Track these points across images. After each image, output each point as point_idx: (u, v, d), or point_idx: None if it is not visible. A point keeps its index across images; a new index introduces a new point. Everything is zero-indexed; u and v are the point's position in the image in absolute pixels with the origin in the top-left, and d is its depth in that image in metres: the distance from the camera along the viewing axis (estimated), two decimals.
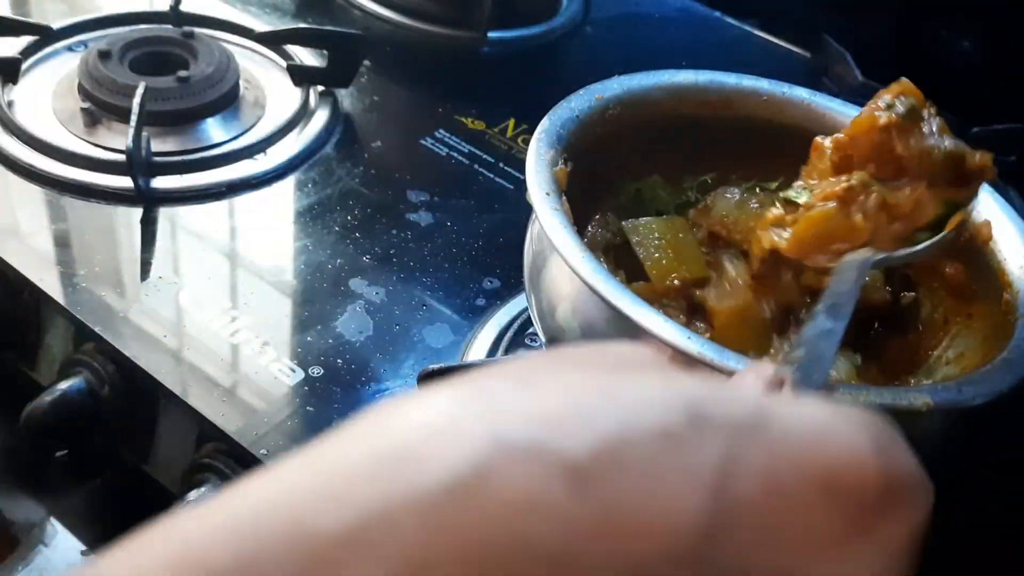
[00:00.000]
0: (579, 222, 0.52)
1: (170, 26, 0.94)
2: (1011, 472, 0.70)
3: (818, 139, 0.56)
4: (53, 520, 0.68)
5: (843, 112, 0.64)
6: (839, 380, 0.54)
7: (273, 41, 0.97)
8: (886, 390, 0.46)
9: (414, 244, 0.79)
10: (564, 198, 0.52)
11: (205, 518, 0.24)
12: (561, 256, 0.49)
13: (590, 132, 0.59)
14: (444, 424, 0.25)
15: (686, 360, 0.46)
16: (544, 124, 0.57)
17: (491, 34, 1.09)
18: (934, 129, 0.53)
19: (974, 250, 0.58)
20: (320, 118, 0.91)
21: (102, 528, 0.68)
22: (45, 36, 0.92)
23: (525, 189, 0.53)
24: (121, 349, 0.66)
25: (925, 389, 0.46)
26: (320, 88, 0.94)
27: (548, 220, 0.50)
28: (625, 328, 0.48)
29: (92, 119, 0.84)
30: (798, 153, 0.65)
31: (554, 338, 0.53)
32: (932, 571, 0.64)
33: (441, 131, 0.93)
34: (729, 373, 0.45)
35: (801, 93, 0.65)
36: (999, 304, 0.55)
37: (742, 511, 0.25)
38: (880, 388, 0.48)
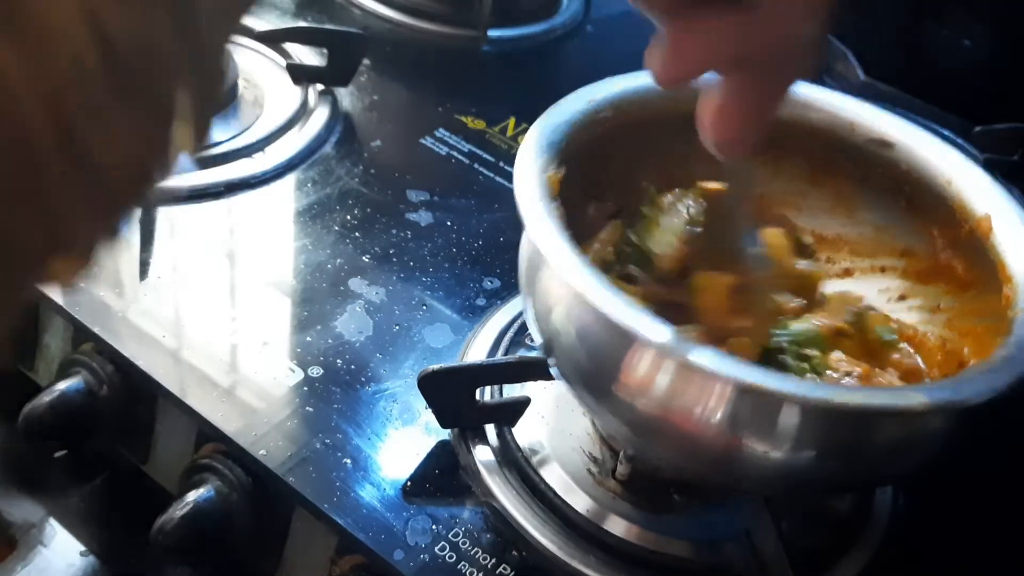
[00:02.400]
0: (573, 223, 0.52)
1: None
2: (1011, 472, 0.70)
3: None
4: (52, 520, 0.67)
5: (842, 108, 0.64)
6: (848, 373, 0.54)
7: (272, 40, 0.97)
8: (883, 390, 0.46)
9: (414, 244, 0.79)
10: (557, 203, 0.52)
11: None
12: (552, 268, 0.49)
13: (583, 134, 0.58)
14: None
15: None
16: (533, 132, 0.56)
17: (491, 33, 1.09)
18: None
19: (974, 244, 0.58)
20: (320, 117, 0.91)
21: (101, 528, 0.68)
22: None
23: None
24: (120, 349, 0.66)
25: (922, 388, 0.46)
26: (319, 87, 0.94)
27: (538, 229, 0.50)
28: (620, 333, 0.48)
29: None
30: (795, 147, 0.65)
31: (550, 342, 0.53)
32: (932, 570, 0.64)
33: (441, 130, 0.93)
34: (725, 379, 0.45)
35: (799, 87, 0.65)
36: (999, 298, 0.55)
37: None
38: (876, 388, 0.48)
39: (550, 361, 0.55)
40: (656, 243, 0.58)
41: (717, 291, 0.56)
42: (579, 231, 0.51)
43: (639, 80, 0.62)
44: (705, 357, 0.45)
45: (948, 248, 0.61)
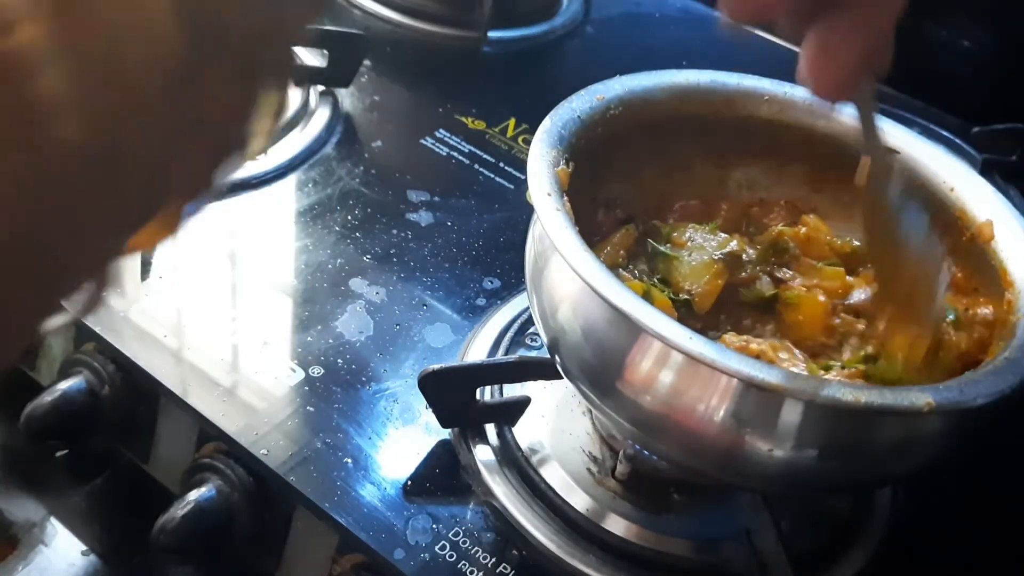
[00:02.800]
0: (581, 222, 0.52)
1: None
2: (1011, 473, 0.70)
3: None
4: (53, 520, 0.67)
5: (846, 115, 0.64)
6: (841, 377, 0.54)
7: None
8: (888, 390, 0.46)
9: (414, 244, 0.79)
10: (566, 198, 0.52)
11: None
12: (562, 256, 0.49)
13: (592, 132, 0.59)
14: None
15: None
16: (546, 124, 0.57)
17: (491, 34, 1.09)
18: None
19: (976, 250, 0.58)
20: (320, 118, 0.91)
21: (102, 528, 0.68)
22: None
23: (526, 189, 0.53)
24: (121, 349, 0.66)
25: (927, 389, 0.46)
26: (320, 88, 0.94)
27: (550, 220, 0.50)
28: (626, 327, 0.48)
29: None
30: (799, 152, 0.65)
31: (556, 338, 0.53)
32: (932, 570, 0.64)
33: (441, 131, 0.93)
34: (731, 374, 0.45)
35: (802, 93, 0.65)
36: (1001, 304, 0.55)
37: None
38: (881, 388, 0.48)
39: (555, 359, 0.55)
40: (689, 282, 0.58)
41: (812, 311, 0.57)
42: (587, 234, 0.51)
43: (647, 79, 0.62)
44: (714, 352, 0.45)
45: (948, 255, 0.61)
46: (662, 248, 0.60)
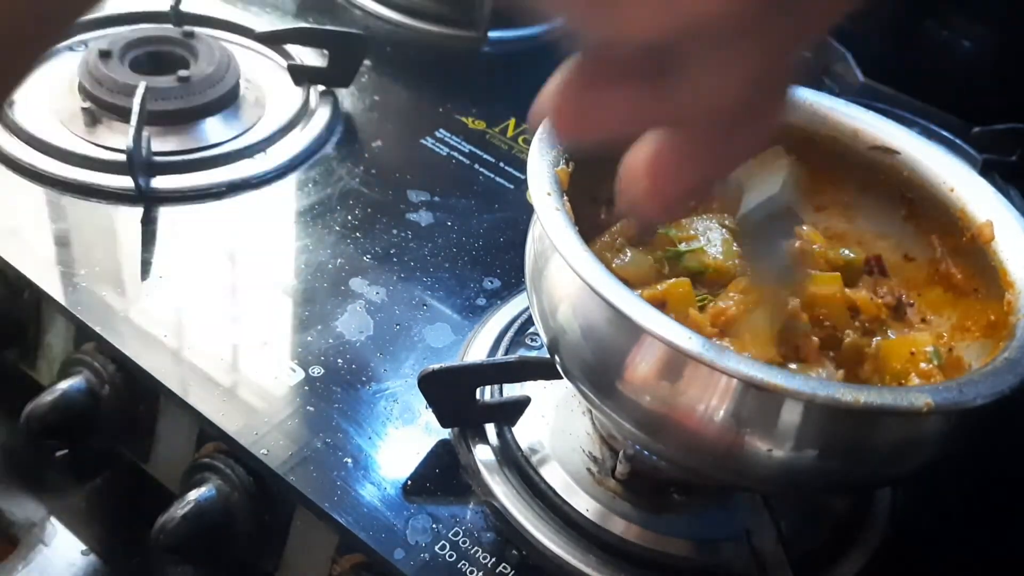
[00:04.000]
0: (581, 222, 0.52)
1: (170, 26, 0.95)
2: (1011, 472, 0.70)
3: None
4: (53, 519, 0.68)
5: (845, 113, 0.64)
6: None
7: (273, 41, 0.97)
8: (887, 390, 0.46)
9: (414, 244, 0.79)
10: (565, 198, 0.52)
11: None
12: (562, 256, 0.49)
13: None
14: None
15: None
16: (546, 124, 0.56)
17: (491, 34, 1.09)
18: None
19: (976, 250, 0.58)
20: (320, 118, 0.91)
21: (102, 527, 0.68)
22: None
23: (526, 189, 0.53)
24: (121, 349, 0.66)
25: (926, 389, 0.46)
26: (320, 88, 0.94)
27: (549, 220, 0.50)
28: (626, 328, 0.48)
29: (92, 119, 0.84)
30: (799, 152, 0.65)
31: (555, 338, 0.53)
32: (932, 570, 0.64)
33: (441, 131, 0.93)
34: (731, 374, 0.45)
35: (803, 94, 0.65)
36: (1001, 305, 0.55)
37: None
38: (880, 388, 0.48)
39: (555, 359, 0.55)
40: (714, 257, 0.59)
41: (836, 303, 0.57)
42: (587, 234, 0.51)
43: None
44: (713, 353, 0.45)
45: (948, 256, 0.61)
46: (681, 248, 0.60)
